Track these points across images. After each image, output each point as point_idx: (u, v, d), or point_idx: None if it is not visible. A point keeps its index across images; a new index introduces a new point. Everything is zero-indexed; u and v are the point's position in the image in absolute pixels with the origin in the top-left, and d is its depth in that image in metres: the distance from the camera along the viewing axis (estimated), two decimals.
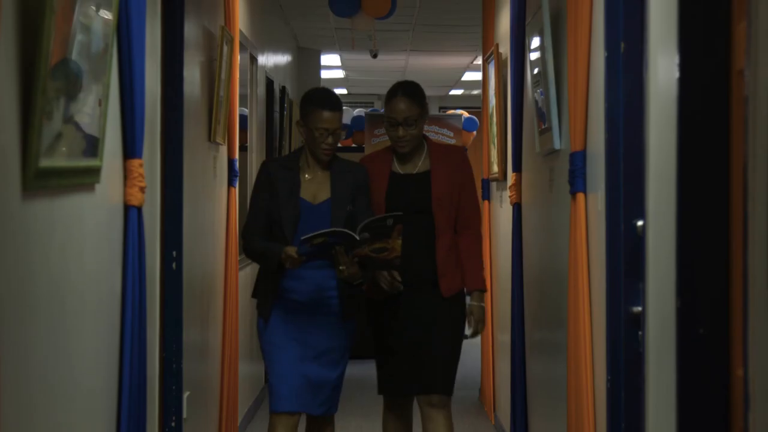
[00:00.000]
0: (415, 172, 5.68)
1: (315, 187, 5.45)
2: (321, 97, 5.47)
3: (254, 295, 5.63)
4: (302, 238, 5.12)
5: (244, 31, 8.08)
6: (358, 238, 5.13)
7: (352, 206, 5.43)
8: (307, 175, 5.45)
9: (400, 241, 5.20)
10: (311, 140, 5.40)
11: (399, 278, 5.50)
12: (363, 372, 11.00)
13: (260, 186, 5.47)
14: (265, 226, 5.42)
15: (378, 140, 13.17)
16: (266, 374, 10.03)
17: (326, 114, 5.37)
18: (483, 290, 5.69)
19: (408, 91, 5.64)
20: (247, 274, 8.52)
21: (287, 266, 5.25)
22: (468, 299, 5.72)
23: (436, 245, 5.59)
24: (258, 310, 5.51)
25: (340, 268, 5.21)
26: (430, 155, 5.71)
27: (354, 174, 5.49)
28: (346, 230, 5.14)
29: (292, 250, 5.19)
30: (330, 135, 5.38)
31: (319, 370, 5.42)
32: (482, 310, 5.68)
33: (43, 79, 3.10)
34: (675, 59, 3.18)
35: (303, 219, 5.38)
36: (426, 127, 13.82)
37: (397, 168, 5.70)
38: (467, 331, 5.71)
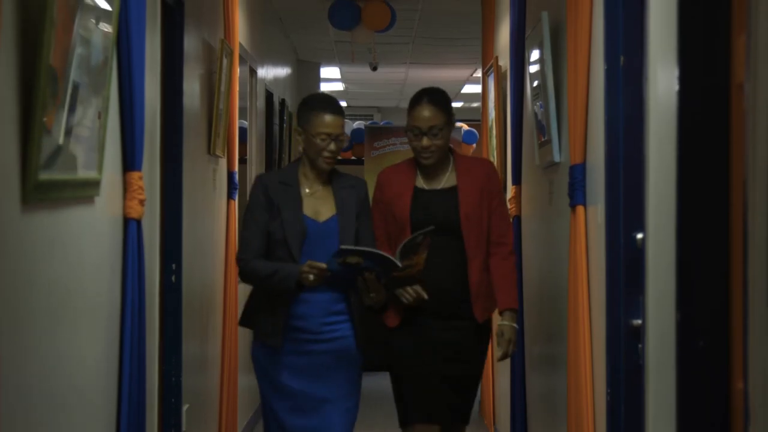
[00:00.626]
0: (440, 187, 5.23)
1: (317, 202, 4.97)
2: (322, 100, 5.07)
3: (246, 322, 5.14)
4: (341, 248, 4.72)
5: (243, 44, 8.09)
6: (400, 265, 4.77)
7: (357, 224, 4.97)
8: (307, 190, 4.99)
9: (425, 255, 4.87)
10: (312, 148, 4.93)
11: (423, 291, 5.02)
12: (372, 383, 10.98)
13: (256, 203, 4.95)
14: (262, 248, 4.93)
15: (378, 153, 13.18)
16: None
17: (328, 118, 4.94)
18: (516, 310, 5.25)
19: (434, 98, 5.26)
20: (246, 287, 8.50)
21: (308, 282, 4.75)
22: (499, 319, 5.25)
23: (468, 268, 5.14)
24: (260, 338, 5.05)
25: (371, 295, 4.86)
26: (456, 169, 5.27)
27: (357, 189, 5.04)
28: (388, 256, 4.74)
29: (317, 264, 4.75)
30: (332, 141, 4.94)
31: (329, 418, 4.99)
32: (514, 330, 5.23)
33: (42, 92, 3.10)
34: (675, 72, 3.18)
35: (308, 238, 4.90)
36: None
37: (422, 183, 5.24)
38: (497, 353, 5.31)
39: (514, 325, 5.23)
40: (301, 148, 5.03)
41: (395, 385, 5.34)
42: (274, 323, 4.93)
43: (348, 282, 4.91)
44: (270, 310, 4.95)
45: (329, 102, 5.05)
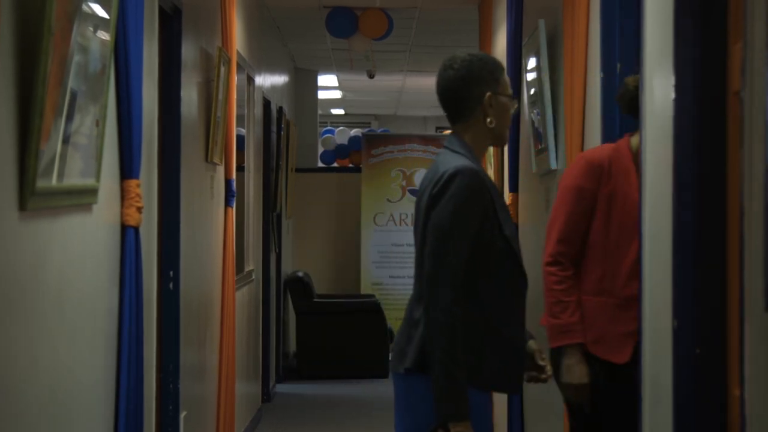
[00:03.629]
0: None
1: None
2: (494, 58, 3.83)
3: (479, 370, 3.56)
4: None
5: (241, 51, 8.10)
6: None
7: None
8: None
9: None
10: (504, 116, 3.69)
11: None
12: (366, 392, 10.99)
13: (477, 204, 3.56)
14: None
15: (375, 160, 13.19)
16: (263, 395, 10.01)
17: None
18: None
19: None
20: (243, 294, 8.52)
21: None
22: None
23: None
24: (492, 381, 3.63)
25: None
26: None
27: None
28: None
29: None
30: None
31: None
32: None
33: (40, 100, 3.11)
34: (671, 80, 3.19)
35: None
36: (423, 147, 13.94)
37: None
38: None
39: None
40: (490, 123, 3.67)
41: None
42: (512, 363, 3.67)
43: None
44: (506, 347, 3.65)
45: None
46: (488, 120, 3.63)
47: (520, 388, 3.70)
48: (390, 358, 3.78)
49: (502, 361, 3.57)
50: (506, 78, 3.70)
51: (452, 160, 3.58)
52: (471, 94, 3.64)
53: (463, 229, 3.51)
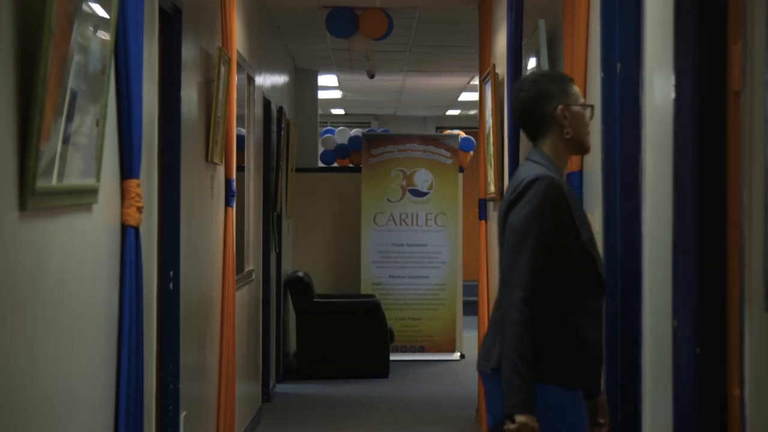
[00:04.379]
0: None
1: None
2: (559, 72, 4.10)
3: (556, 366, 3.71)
4: None
5: (241, 51, 8.10)
6: None
7: None
8: None
9: None
10: (581, 125, 3.82)
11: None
12: (366, 392, 10.99)
13: (553, 210, 3.69)
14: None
15: (375, 160, 13.19)
16: (263, 395, 10.02)
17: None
18: None
19: None
20: (243, 294, 8.52)
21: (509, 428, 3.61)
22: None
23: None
24: (572, 378, 3.71)
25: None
26: None
27: None
28: None
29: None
30: None
31: None
32: None
33: (40, 100, 3.11)
34: (671, 80, 3.19)
35: None
36: (423, 147, 13.95)
37: None
38: None
39: None
40: (567, 133, 3.80)
41: None
42: (589, 360, 3.79)
43: None
44: (585, 338, 3.77)
45: None
46: (565, 131, 3.81)
47: (598, 391, 3.86)
48: (478, 358, 3.97)
49: (581, 361, 3.72)
50: (576, 88, 3.86)
51: (532, 169, 3.76)
52: (544, 110, 3.82)
53: (538, 233, 3.66)
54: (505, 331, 3.64)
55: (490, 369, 3.75)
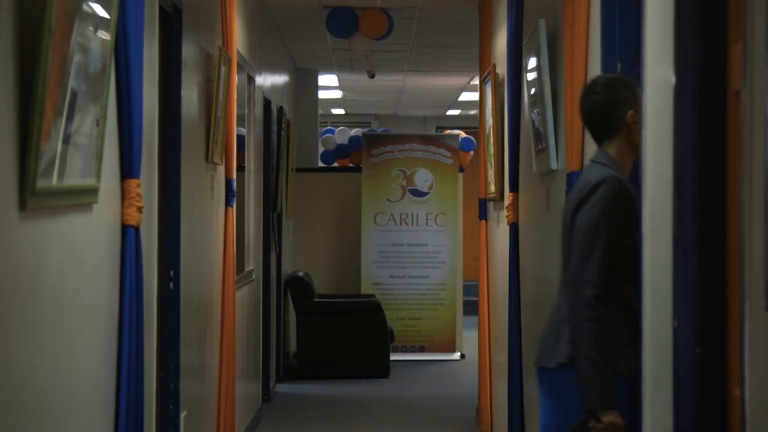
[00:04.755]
0: None
1: None
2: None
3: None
4: None
5: (241, 51, 8.10)
6: None
7: None
8: None
9: None
10: (636, 132, 3.82)
11: None
12: (366, 392, 10.99)
13: (619, 210, 3.80)
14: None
15: (375, 160, 13.20)
16: (263, 395, 10.02)
17: None
18: None
19: None
20: (243, 294, 8.52)
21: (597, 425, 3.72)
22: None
23: None
24: (635, 373, 3.64)
25: None
26: None
27: None
28: None
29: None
30: None
31: None
32: None
33: (41, 100, 3.11)
34: (671, 80, 3.19)
35: None
36: (423, 147, 13.94)
37: None
38: None
39: None
40: (635, 138, 3.84)
41: None
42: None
43: None
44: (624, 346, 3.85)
45: None
46: (633, 136, 3.85)
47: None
48: (537, 355, 4.01)
49: (637, 357, 3.71)
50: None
51: (599, 171, 3.85)
52: (614, 115, 3.88)
53: (606, 233, 3.77)
54: (578, 329, 3.74)
55: (556, 364, 3.84)
